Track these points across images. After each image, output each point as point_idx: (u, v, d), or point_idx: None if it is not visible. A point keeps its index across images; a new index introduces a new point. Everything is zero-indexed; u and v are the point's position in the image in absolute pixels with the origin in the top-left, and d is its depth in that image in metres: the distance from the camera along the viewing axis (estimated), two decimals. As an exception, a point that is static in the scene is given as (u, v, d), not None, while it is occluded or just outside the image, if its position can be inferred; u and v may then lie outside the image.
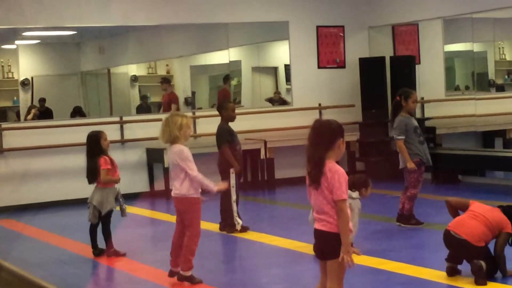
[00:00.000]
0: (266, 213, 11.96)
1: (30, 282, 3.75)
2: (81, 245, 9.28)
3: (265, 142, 13.81)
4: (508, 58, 14.77)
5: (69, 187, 12.64)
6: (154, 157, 13.26)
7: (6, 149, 12.64)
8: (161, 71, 16.43)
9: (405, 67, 14.01)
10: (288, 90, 15.14)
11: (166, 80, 15.53)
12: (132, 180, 12.86)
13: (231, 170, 9.68)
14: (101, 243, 8.77)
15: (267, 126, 14.13)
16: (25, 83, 15.36)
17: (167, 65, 16.31)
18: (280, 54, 15.61)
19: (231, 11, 14.19)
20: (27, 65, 15.57)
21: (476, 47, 14.02)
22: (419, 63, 14.30)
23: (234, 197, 9.73)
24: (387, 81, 14.39)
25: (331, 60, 14.96)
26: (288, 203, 12.52)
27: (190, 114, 13.75)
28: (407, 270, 7.43)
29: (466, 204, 7.25)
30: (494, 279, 6.85)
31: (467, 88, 14.69)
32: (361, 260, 7.54)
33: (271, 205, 12.83)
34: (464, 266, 7.01)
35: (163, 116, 12.49)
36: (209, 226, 10.11)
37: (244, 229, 9.74)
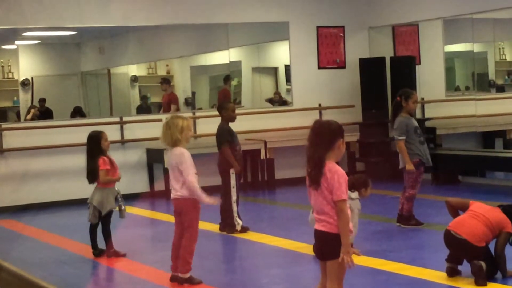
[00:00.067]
0: (266, 213, 11.95)
1: (30, 282, 3.75)
2: (81, 246, 9.28)
3: (265, 143, 13.81)
4: (508, 59, 14.77)
5: (69, 187, 12.64)
6: (154, 158, 13.26)
7: (6, 149, 12.64)
8: (161, 72, 16.43)
9: (405, 68, 14.01)
10: (288, 91, 15.14)
11: (166, 81, 15.53)
12: (132, 181, 12.86)
13: (231, 171, 9.68)
14: (101, 244, 8.77)
15: (267, 126, 14.12)
16: (25, 83, 15.36)
17: (167, 65, 16.32)
18: (280, 54, 15.61)
19: (231, 12, 14.19)
20: (27, 65, 15.57)
21: (476, 48, 14.02)
22: (419, 63, 14.30)
23: (234, 197, 9.73)
24: (387, 82, 14.38)
25: (331, 61, 14.96)
26: (288, 203, 12.52)
27: (190, 114, 13.77)
28: (407, 270, 7.43)
29: (466, 204, 7.25)
30: (494, 280, 6.85)
31: (467, 88, 14.69)
32: (361, 260, 7.54)
33: (271, 206, 12.82)
34: (464, 267, 7.00)
35: (163, 116, 12.61)
36: (209, 226, 10.11)
37: (244, 229, 9.73)
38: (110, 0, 13.34)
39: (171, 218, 7.41)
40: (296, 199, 12.31)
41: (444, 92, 14.30)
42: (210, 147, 11.62)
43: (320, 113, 14.60)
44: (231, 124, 9.85)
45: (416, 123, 9.71)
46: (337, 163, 5.10)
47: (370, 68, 14.51)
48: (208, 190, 11.83)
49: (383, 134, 14.42)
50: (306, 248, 8.37)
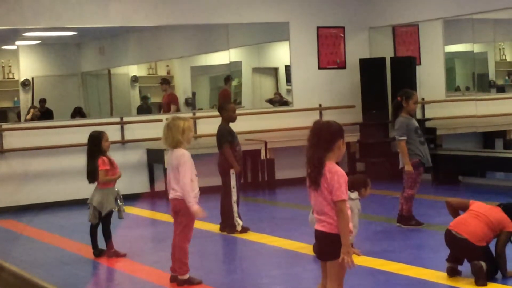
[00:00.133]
0: (266, 214, 11.95)
1: (30, 283, 3.76)
2: (81, 246, 9.29)
3: (266, 143, 13.81)
4: (508, 59, 14.77)
5: (70, 187, 12.64)
6: (155, 158, 13.26)
7: (6, 149, 12.64)
8: (162, 72, 16.44)
9: (405, 68, 14.01)
10: (289, 91, 15.15)
11: (166, 81, 15.54)
12: (132, 181, 12.86)
13: (231, 171, 9.69)
14: (102, 244, 8.77)
15: (267, 126, 14.13)
16: (25, 84, 15.37)
17: (167, 65, 16.33)
18: (280, 54, 15.62)
19: (232, 12, 14.19)
20: (27, 66, 15.58)
21: (477, 48, 14.03)
22: (420, 64, 14.30)
23: (234, 197, 9.73)
24: (387, 82, 14.39)
25: (331, 61, 14.96)
26: (288, 204, 12.52)
27: (190, 114, 13.77)
28: (407, 271, 7.43)
29: (466, 204, 7.25)
30: (494, 280, 6.85)
31: (467, 89, 14.69)
32: (361, 261, 7.55)
33: (272, 206, 12.82)
34: (465, 267, 7.01)
35: (163, 117, 12.63)
36: (210, 226, 10.12)
37: (244, 229, 9.73)
38: (110, 0, 13.34)
39: (172, 219, 7.41)
40: (297, 199, 12.31)
41: (444, 93, 14.30)
42: (210, 148, 11.63)
43: (321, 114, 14.60)
44: (231, 125, 9.85)
45: (416, 124, 9.72)
46: (337, 163, 5.10)
47: (371, 69, 14.51)
48: (208, 190, 11.90)
49: (383, 134, 14.42)
50: (306, 248, 8.38)
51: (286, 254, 8.60)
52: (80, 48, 16.50)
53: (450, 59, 14.71)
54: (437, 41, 14.11)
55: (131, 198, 12.18)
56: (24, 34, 14.14)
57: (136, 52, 16.14)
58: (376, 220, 10.18)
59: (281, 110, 14.72)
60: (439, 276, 7.13)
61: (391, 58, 14.52)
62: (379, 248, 8.52)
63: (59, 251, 9.38)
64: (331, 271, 5.07)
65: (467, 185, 13.16)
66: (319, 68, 14.87)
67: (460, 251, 6.99)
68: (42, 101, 14.88)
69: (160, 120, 12.80)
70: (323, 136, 5.05)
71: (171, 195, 7.26)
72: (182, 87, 16.01)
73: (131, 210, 11.69)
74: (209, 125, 12.50)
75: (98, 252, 8.75)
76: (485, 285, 6.72)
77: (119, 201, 8.71)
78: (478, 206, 7.13)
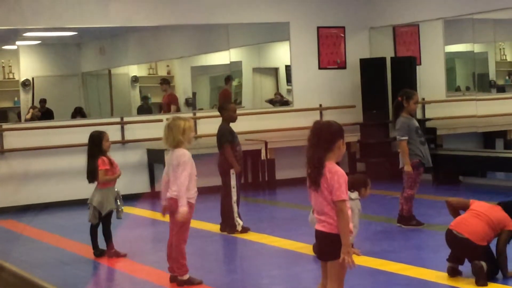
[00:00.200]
0: (266, 214, 11.95)
1: (30, 283, 3.76)
2: (82, 246, 9.29)
3: (266, 143, 13.81)
4: (509, 59, 14.76)
5: (70, 187, 12.63)
6: (155, 158, 13.26)
7: (7, 149, 12.64)
8: (162, 72, 16.43)
9: (406, 68, 14.01)
10: (289, 91, 15.15)
11: (166, 81, 15.55)
12: (132, 181, 12.86)
13: (232, 171, 9.68)
14: (102, 244, 8.77)
15: (267, 127, 14.13)
16: (25, 84, 15.36)
17: (167, 66, 16.32)
18: (280, 55, 15.62)
19: (232, 12, 14.19)
20: (27, 66, 15.57)
21: (477, 48, 14.03)
22: (420, 64, 14.30)
23: (234, 197, 9.72)
24: (387, 82, 14.38)
25: (331, 61, 14.96)
26: (288, 204, 12.52)
27: (190, 114, 13.77)
28: (407, 271, 7.43)
29: (467, 203, 7.25)
30: (495, 280, 6.84)
31: (467, 89, 14.69)
32: (361, 261, 7.55)
33: (272, 206, 12.82)
34: (465, 267, 7.00)
35: (163, 117, 12.63)
36: (210, 226, 10.12)
37: (244, 230, 9.73)
38: (110, 0, 13.34)
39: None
40: (297, 199, 12.31)
41: (444, 93, 14.30)
42: (210, 148, 11.63)
43: (321, 114, 14.60)
44: (231, 125, 9.85)
45: (417, 124, 9.72)
46: (338, 163, 5.10)
47: (371, 69, 14.51)
48: (208, 190, 11.90)
49: (384, 134, 14.42)
50: (307, 248, 8.38)
51: (286, 254, 8.60)
52: (80, 48, 16.50)
53: (451, 59, 14.71)
54: (438, 41, 14.11)
55: (131, 198, 12.18)
56: (24, 34, 14.14)
57: (137, 52, 16.13)
58: (376, 220, 10.18)
59: (281, 110, 14.72)
60: (439, 276, 7.12)
61: (391, 58, 14.52)
62: (379, 248, 8.52)
63: (59, 251, 9.38)
64: (332, 271, 5.06)
65: (468, 185, 13.16)
66: (320, 68, 14.87)
67: (461, 251, 6.99)
68: (43, 101, 14.88)
69: (161, 120, 12.81)
70: (323, 136, 5.05)
71: (168, 194, 7.25)
72: (183, 87, 16.01)
73: (131, 210, 11.69)
74: (210, 125, 12.50)
75: (98, 253, 8.74)
76: (486, 285, 6.72)
77: (118, 201, 8.70)
78: (478, 206, 7.13)
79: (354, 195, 7.88)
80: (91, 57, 16.74)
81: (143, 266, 8.34)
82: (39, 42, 15.83)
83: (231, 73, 15.04)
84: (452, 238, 7.01)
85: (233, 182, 9.69)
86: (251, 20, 14.41)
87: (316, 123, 5.16)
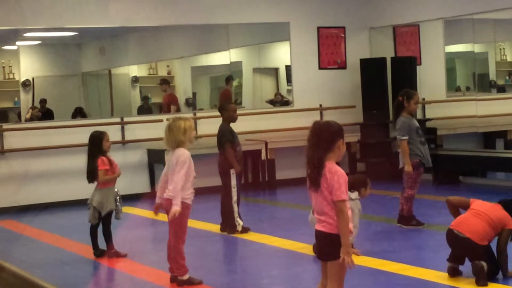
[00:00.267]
0: (266, 214, 11.95)
1: (31, 283, 3.76)
2: (82, 246, 9.29)
3: (266, 143, 13.81)
4: (509, 59, 14.77)
5: (70, 188, 12.63)
6: (155, 158, 13.26)
7: (7, 150, 12.64)
8: (162, 72, 16.44)
9: (406, 68, 14.01)
10: (289, 91, 15.15)
11: (165, 81, 15.55)
12: (132, 181, 12.86)
13: (232, 171, 9.68)
14: (102, 244, 8.77)
15: (268, 127, 14.13)
16: (26, 84, 15.37)
17: (168, 66, 16.33)
18: (281, 55, 15.62)
19: (232, 12, 14.19)
20: (28, 66, 15.58)
21: (477, 48, 14.03)
22: (420, 64, 14.30)
23: (235, 197, 9.72)
24: (388, 82, 14.38)
25: (332, 61, 14.96)
26: (288, 204, 12.52)
27: (191, 115, 13.77)
28: (408, 271, 7.43)
29: (467, 202, 7.26)
30: (495, 280, 6.84)
31: (468, 89, 14.69)
32: (361, 261, 7.55)
33: (272, 206, 12.82)
34: (465, 267, 7.00)
35: (164, 117, 12.63)
36: (210, 227, 10.12)
37: (245, 230, 9.73)
38: (110, 0, 13.34)
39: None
40: (297, 199, 12.31)
41: (445, 93, 14.30)
42: (210, 148, 11.63)
43: (321, 114, 14.60)
44: (232, 125, 9.85)
45: (417, 124, 9.72)
46: (338, 163, 5.09)
47: (371, 69, 14.51)
48: (208, 190, 11.91)
49: (384, 134, 14.42)
50: (307, 248, 8.38)
51: (286, 254, 8.60)
52: (81, 48, 16.50)
53: (451, 59, 14.71)
54: (438, 41, 14.11)
55: (131, 199, 12.18)
56: (24, 34, 14.14)
57: (137, 52, 16.14)
58: (376, 220, 10.18)
59: (281, 110, 14.72)
60: (439, 276, 7.12)
61: (391, 58, 14.52)
62: (379, 248, 8.51)
63: (59, 251, 9.38)
64: (332, 271, 5.06)
65: (468, 185, 13.16)
66: (320, 68, 14.86)
67: (462, 250, 6.98)
68: (43, 102, 14.88)
69: (161, 121, 12.81)
70: (323, 136, 5.05)
71: (165, 194, 7.25)
72: (183, 87, 16.01)
73: (131, 210, 11.69)
74: (210, 125, 12.50)
75: (99, 253, 8.74)
76: (486, 285, 6.72)
77: (117, 202, 8.70)
78: (479, 205, 7.13)
79: (354, 195, 7.88)
80: (91, 57, 16.75)
81: (143, 266, 8.34)
82: (39, 42, 15.84)
83: (231, 73, 15.04)
84: (453, 238, 7.00)
85: (233, 182, 9.69)
86: (251, 20, 14.41)
87: (315, 123, 5.16)
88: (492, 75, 14.57)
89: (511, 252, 7.02)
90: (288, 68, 15.11)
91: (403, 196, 9.55)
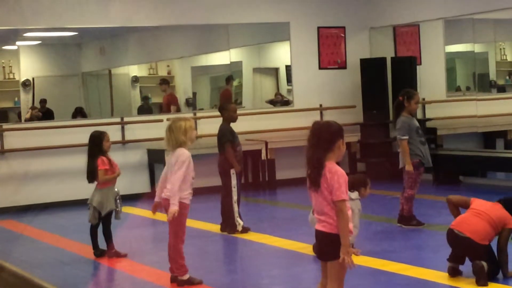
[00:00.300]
0: (267, 214, 11.95)
1: (30, 283, 3.76)
2: (82, 246, 9.29)
3: (266, 143, 13.81)
4: (509, 59, 14.77)
5: (70, 188, 12.63)
6: (155, 158, 13.26)
7: (7, 150, 12.64)
8: (162, 72, 16.44)
9: (406, 68, 14.00)
10: (289, 91, 15.15)
11: (165, 81, 15.55)
12: (133, 181, 12.86)
13: (232, 171, 9.68)
14: (102, 244, 8.77)
15: (268, 127, 14.12)
16: (26, 84, 15.37)
17: (168, 66, 16.33)
18: (281, 55, 15.62)
19: (232, 12, 14.19)
20: (28, 66, 15.59)
21: (477, 48, 14.03)
22: (420, 64, 14.30)
23: (235, 197, 9.72)
24: (388, 82, 14.38)
25: (332, 61, 14.96)
26: (289, 204, 12.52)
27: (191, 115, 13.77)
28: (408, 271, 7.43)
29: (467, 202, 7.26)
30: (495, 280, 6.84)
31: (468, 89, 14.69)
32: (362, 261, 7.55)
33: (272, 206, 12.82)
34: (466, 267, 7.00)
35: (164, 117, 12.63)
36: (210, 227, 10.12)
37: (245, 230, 9.73)
38: (110, 0, 13.34)
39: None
40: (297, 199, 12.31)
41: (445, 93, 14.30)
42: (210, 148, 11.62)
43: (321, 114, 14.60)
44: (232, 125, 9.85)
45: (417, 123, 9.72)
46: (338, 163, 5.09)
47: (371, 69, 14.51)
48: (208, 190, 11.91)
49: (384, 134, 14.42)
50: (307, 248, 8.37)
51: (286, 254, 8.60)
52: (81, 48, 16.51)
53: (451, 59, 14.71)
54: (438, 41, 14.11)
55: (131, 198, 12.18)
56: (24, 34, 14.14)
57: (137, 52, 16.14)
58: (376, 220, 10.17)
59: (281, 110, 14.72)
60: (439, 276, 7.12)
61: (391, 58, 14.52)
62: (380, 248, 8.51)
63: (59, 251, 9.38)
64: (332, 271, 5.06)
65: (468, 185, 13.16)
66: (320, 68, 14.86)
67: (462, 250, 6.98)
68: (43, 102, 14.89)
69: (161, 121, 12.81)
70: (323, 136, 5.04)
71: (163, 194, 7.25)
72: (183, 87, 16.01)
73: (131, 210, 11.69)
74: (210, 125, 12.49)
75: (99, 253, 8.74)
76: (486, 285, 6.72)
77: (117, 202, 8.70)
78: (479, 204, 7.13)
79: (354, 195, 7.88)
80: (91, 57, 16.76)
81: (143, 266, 8.33)
82: (39, 42, 15.84)
83: (231, 73, 15.04)
84: (453, 238, 7.00)
85: (233, 182, 9.69)
86: (251, 20, 14.41)
87: (315, 123, 5.16)
88: (492, 75, 14.57)
89: (511, 251, 7.02)
90: (288, 68, 15.11)
91: (403, 196, 9.55)
